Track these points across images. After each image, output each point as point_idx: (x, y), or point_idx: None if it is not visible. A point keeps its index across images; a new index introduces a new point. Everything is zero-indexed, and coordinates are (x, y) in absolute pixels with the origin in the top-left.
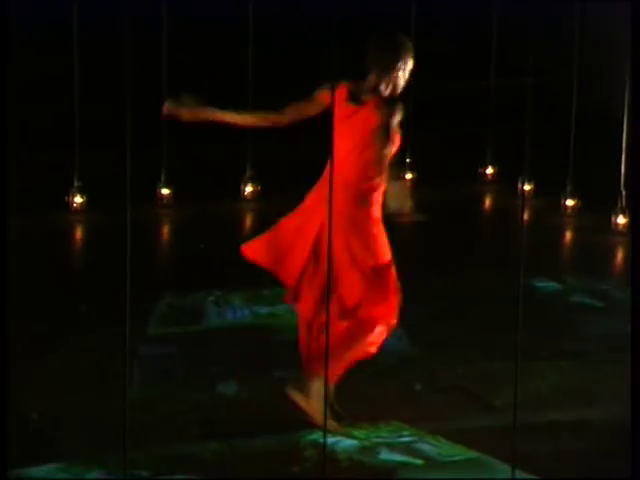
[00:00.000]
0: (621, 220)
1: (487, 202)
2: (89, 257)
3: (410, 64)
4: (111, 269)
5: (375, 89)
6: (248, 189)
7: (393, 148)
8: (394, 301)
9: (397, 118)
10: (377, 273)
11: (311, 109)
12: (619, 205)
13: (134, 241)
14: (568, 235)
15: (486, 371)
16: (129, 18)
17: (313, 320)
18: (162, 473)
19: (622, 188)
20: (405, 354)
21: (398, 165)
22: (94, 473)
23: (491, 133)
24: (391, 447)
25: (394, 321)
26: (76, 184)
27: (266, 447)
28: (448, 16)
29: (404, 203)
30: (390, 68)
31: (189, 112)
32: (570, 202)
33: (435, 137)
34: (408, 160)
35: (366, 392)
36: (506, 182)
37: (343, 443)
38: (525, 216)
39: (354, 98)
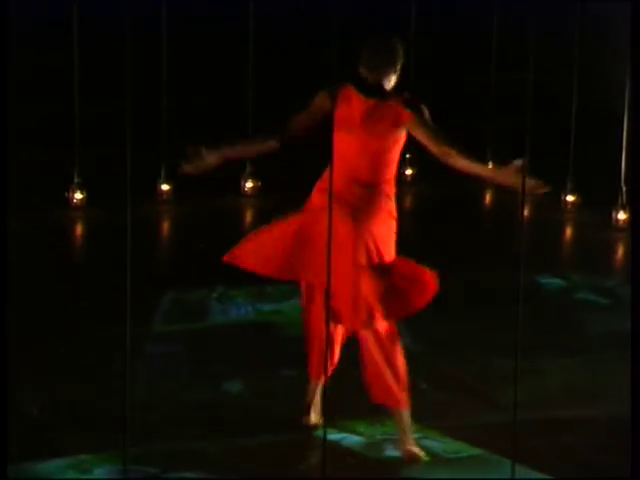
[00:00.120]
0: (621, 216)
1: (487, 198)
2: (89, 254)
3: (399, 65)
4: (111, 266)
5: (379, 87)
6: (248, 185)
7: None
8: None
9: (427, 113)
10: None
11: (313, 116)
12: (619, 201)
13: (134, 237)
14: (568, 231)
15: (491, 369)
16: (129, 18)
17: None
18: (167, 470)
19: (622, 184)
20: (410, 351)
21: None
22: (96, 471)
23: (491, 130)
24: (396, 443)
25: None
26: (76, 180)
27: (270, 445)
28: (448, 16)
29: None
30: (381, 70)
31: (204, 165)
32: (570, 198)
33: None
34: (408, 156)
35: None
36: None
37: (348, 439)
38: (525, 212)
39: (367, 95)
